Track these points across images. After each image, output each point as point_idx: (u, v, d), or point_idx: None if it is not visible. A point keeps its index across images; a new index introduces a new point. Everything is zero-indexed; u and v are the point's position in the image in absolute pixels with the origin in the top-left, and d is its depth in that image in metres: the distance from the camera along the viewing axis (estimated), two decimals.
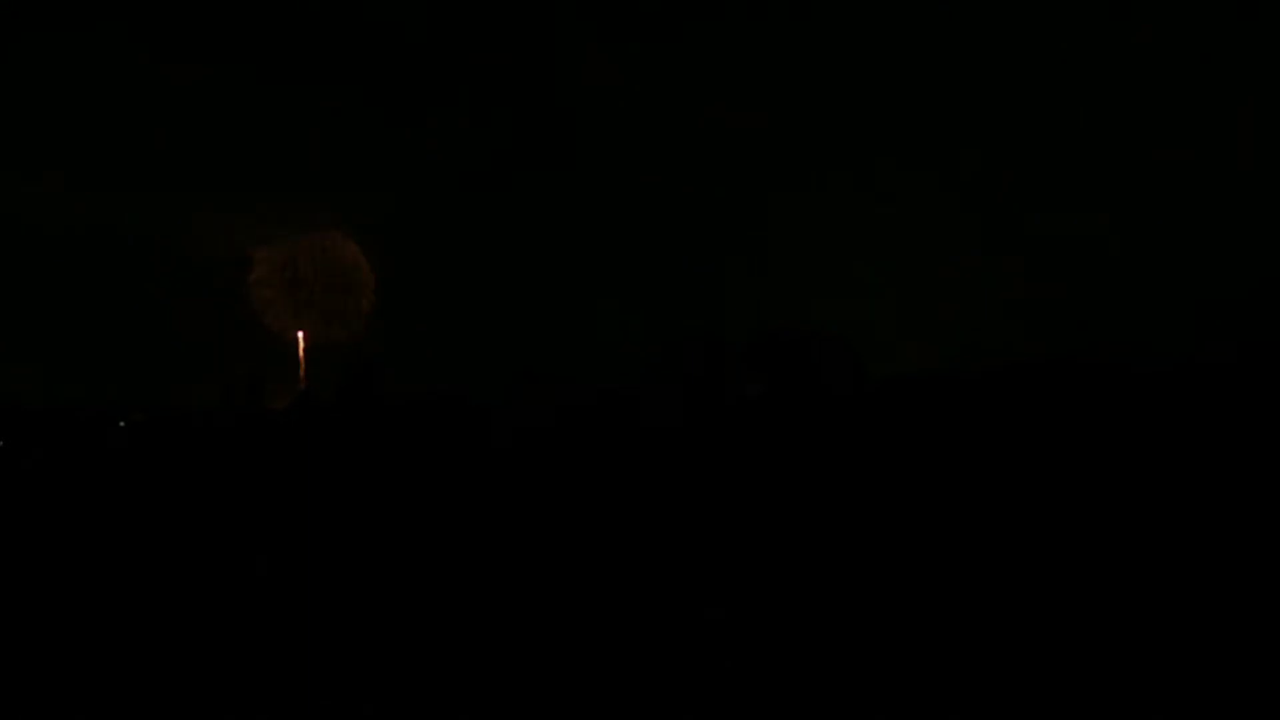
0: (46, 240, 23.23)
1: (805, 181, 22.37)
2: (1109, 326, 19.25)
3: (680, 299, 22.38)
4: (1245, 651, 5.59)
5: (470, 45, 22.98)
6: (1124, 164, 20.62)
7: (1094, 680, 5.32)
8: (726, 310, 21.60)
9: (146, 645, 6.61)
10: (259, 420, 21.29)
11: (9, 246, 23.03)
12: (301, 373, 22.62)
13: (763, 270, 22.52)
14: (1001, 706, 5.07)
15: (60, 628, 7.22)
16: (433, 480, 15.53)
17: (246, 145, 23.18)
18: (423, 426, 19.98)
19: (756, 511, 11.21)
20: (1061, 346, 18.23)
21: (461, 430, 19.82)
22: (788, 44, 21.94)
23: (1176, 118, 20.08)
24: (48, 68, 22.26)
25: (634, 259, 23.33)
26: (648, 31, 22.17)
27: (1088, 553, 8.16)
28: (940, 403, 16.60)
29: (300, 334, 23.09)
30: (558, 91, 23.25)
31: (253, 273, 23.26)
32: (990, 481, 12.08)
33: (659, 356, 21.14)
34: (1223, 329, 17.19)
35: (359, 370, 22.03)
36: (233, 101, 22.85)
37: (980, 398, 16.36)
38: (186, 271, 23.68)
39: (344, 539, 10.66)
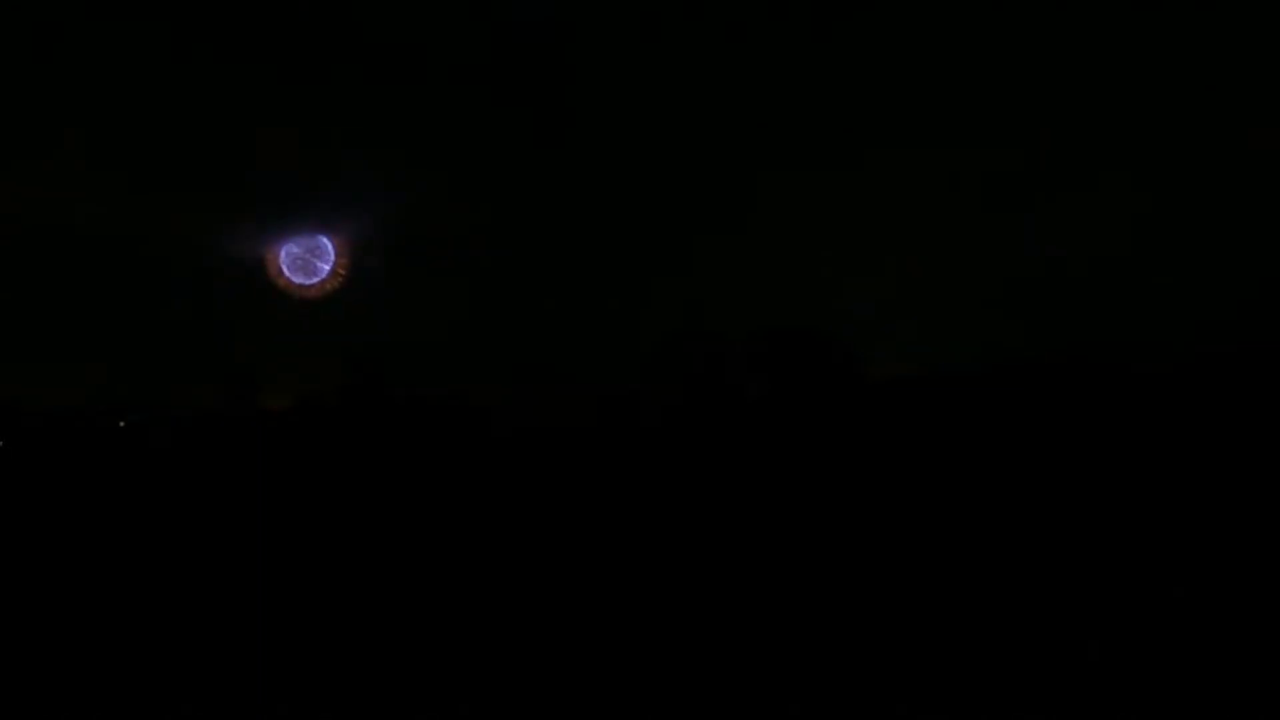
0: (46, 241, 23.27)
1: (806, 183, 22.40)
2: (1109, 326, 19.26)
3: (680, 299, 22.40)
4: (1245, 648, 5.60)
5: (470, 45, 23.01)
6: (1124, 164, 20.65)
7: (1095, 676, 5.33)
8: (726, 310, 21.61)
9: (147, 643, 6.62)
10: (259, 420, 21.33)
11: (9, 247, 23.07)
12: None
13: (763, 270, 22.55)
14: (1002, 702, 5.08)
15: (61, 626, 7.23)
16: (434, 479, 15.56)
17: (249, 146, 23.22)
18: (424, 426, 20.01)
19: (757, 509, 11.21)
20: (1061, 346, 18.23)
21: (461, 430, 19.85)
22: (790, 44, 21.98)
23: (1178, 117, 20.10)
24: (48, 70, 22.29)
25: (634, 259, 23.38)
26: (648, 32, 22.20)
27: (1088, 548, 8.18)
28: (940, 402, 16.63)
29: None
30: (558, 92, 23.29)
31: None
32: (990, 480, 12.09)
33: (659, 356, 21.17)
34: (1223, 329, 17.20)
35: (361, 371, 22.08)
36: (235, 103, 22.89)
37: (980, 398, 16.38)
38: (186, 272, 23.72)
39: (345, 538, 10.67)
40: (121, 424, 21.32)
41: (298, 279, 23.88)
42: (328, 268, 24.00)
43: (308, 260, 24.03)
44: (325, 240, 24.13)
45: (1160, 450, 12.45)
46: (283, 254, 23.98)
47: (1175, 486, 10.56)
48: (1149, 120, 20.31)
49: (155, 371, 22.84)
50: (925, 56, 21.27)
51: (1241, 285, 18.21)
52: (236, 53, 22.25)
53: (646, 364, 20.61)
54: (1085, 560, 8.01)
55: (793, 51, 21.95)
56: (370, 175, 23.02)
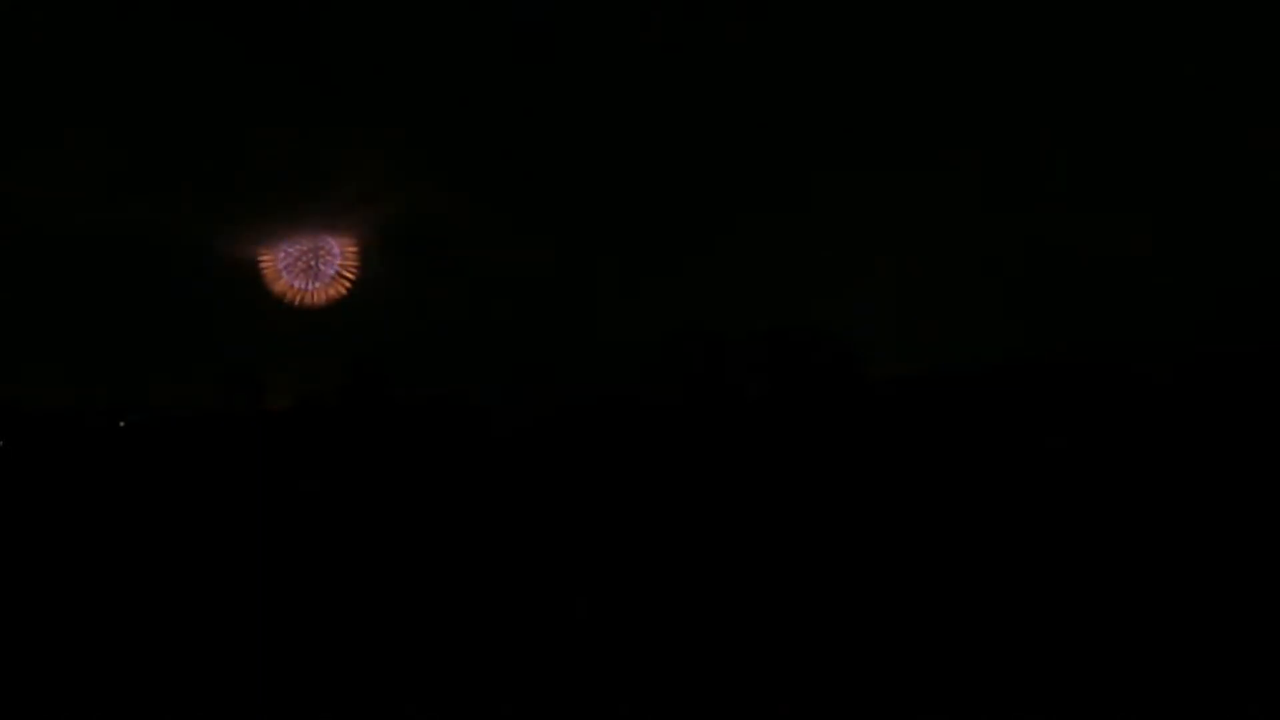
0: (47, 242, 23.27)
1: (807, 183, 22.40)
2: (1109, 326, 19.24)
3: (680, 299, 22.40)
4: (1245, 647, 5.59)
5: (470, 45, 23.02)
6: (1125, 165, 20.64)
7: (1095, 674, 5.32)
8: (726, 310, 21.61)
9: (148, 642, 6.61)
10: (259, 420, 21.32)
11: (9, 247, 23.08)
12: None
13: (763, 270, 22.55)
14: (1002, 702, 5.07)
15: (63, 624, 7.22)
16: (434, 479, 15.55)
17: (249, 147, 23.21)
18: (424, 426, 20.00)
19: (757, 508, 11.21)
20: (1062, 346, 18.23)
21: (461, 430, 19.85)
22: (790, 46, 21.96)
23: (1178, 118, 20.09)
24: (48, 70, 22.28)
25: (634, 260, 23.39)
26: (649, 33, 22.19)
27: (1088, 547, 8.18)
28: (940, 402, 16.62)
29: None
30: (558, 92, 23.29)
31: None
32: (990, 479, 12.08)
33: (659, 356, 21.17)
34: (1223, 329, 17.19)
35: (362, 371, 22.08)
36: (237, 104, 22.88)
37: (980, 397, 16.37)
38: (186, 272, 23.72)
39: (346, 537, 10.66)
40: (121, 424, 21.31)
41: (298, 282, 23.90)
42: (328, 270, 24.01)
43: (308, 263, 24.04)
44: (326, 242, 24.14)
45: (1160, 450, 12.45)
46: (283, 256, 23.99)
47: (1175, 485, 10.55)
48: (1149, 121, 20.29)
49: (155, 371, 22.86)
50: (925, 57, 21.26)
51: (1241, 285, 18.21)
52: (236, 53, 22.23)
53: (646, 364, 20.62)
54: (1086, 558, 8.01)
55: (793, 53, 21.94)
56: (370, 175, 23.00)
